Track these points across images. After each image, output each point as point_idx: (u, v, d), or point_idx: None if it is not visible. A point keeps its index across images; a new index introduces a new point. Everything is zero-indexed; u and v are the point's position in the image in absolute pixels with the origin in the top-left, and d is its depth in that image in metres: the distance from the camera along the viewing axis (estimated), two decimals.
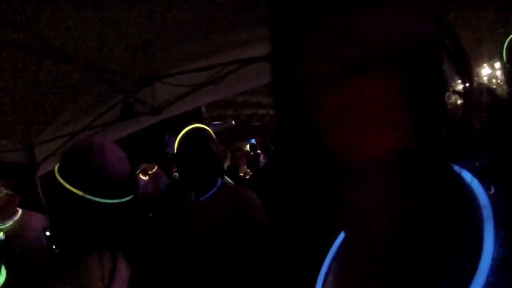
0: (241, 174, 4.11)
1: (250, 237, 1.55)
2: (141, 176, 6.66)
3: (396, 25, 0.31)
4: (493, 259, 0.30)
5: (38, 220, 2.80)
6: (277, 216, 1.72)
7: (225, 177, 2.14)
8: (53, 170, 1.03)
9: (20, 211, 2.79)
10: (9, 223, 2.71)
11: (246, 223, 1.56)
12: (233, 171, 4.08)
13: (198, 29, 2.22)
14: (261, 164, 4.66)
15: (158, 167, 6.62)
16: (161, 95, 2.94)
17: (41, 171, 3.70)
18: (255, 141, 8.38)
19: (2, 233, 2.65)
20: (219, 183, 1.76)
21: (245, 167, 4.63)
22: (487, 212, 0.33)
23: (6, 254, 2.54)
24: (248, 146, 8.52)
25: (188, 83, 2.82)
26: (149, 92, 2.83)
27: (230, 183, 2.47)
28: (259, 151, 7.42)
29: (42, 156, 3.65)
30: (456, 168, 0.38)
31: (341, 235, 0.51)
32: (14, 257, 2.55)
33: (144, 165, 6.82)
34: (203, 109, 7.31)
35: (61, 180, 1.00)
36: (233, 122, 7.87)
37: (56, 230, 1.04)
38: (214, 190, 1.72)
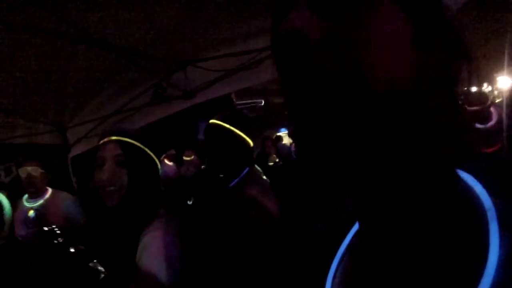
0: (270, 164, 4.05)
1: (247, 234, 1.53)
2: (166, 161, 6.74)
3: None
4: (499, 260, 0.30)
5: (67, 199, 2.84)
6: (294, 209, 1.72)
7: (256, 166, 2.08)
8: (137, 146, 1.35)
9: (50, 190, 2.82)
10: (40, 201, 2.74)
11: (246, 220, 1.55)
12: (262, 160, 4.02)
13: (233, 13, 2.15)
14: (293, 155, 4.58)
15: (195, 155, 6.64)
16: (194, 80, 2.88)
17: (73, 153, 3.76)
18: (287, 130, 8.30)
19: (32, 211, 2.69)
20: (245, 171, 1.72)
21: (274, 156, 4.56)
22: (491, 214, 0.33)
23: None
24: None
25: (222, 68, 2.75)
26: (182, 76, 2.77)
27: (259, 171, 2.41)
28: (285, 142, 7.31)
29: (74, 138, 3.70)
30: (458, 169, 0.38)
31: (352, 231, 0.52)
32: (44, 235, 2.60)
33: (171, 151, 6.89)
34: (233, 96, 7.27)
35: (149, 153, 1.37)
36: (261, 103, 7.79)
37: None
38: (237, 179, 1.70)
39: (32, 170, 2.66)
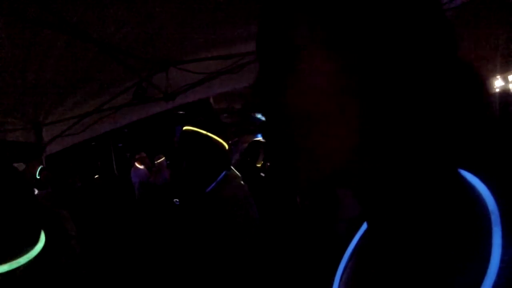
0: (258, 165, 4.14)
1: (227, 235, 1.56)
2: (137, 165, 6.68)
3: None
4: (501, 264, 0.30)
5: (46, 196, 2.81)
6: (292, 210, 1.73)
7: (232, 168, 2.12)
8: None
9: (36, 190, 2.80)
10: None
11: (227, 221, 1.58)
12: (250, 162, 4.10)
13: (219, 17, 2.16)
14: None
15: (165, 158, 6.65)
16: (176, 82, 2.88)
17: (48, 152, 3.66)
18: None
19: None
20: (221, 175, 1.74)
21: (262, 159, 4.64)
22: (495, 218, 0.32)
23: None
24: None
25: (204, 71, 2.76)
26: (163, 77, 2.76)
27: (238, 175, 2.45)
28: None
29: (50, 136, 3.60)
30: (463, 171, 0.38)
31: (360, 232, 0.52)
32: None
33: (142, 154, 6.86)
34: (212, 101, 7.25)
35: None
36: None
37: None
38: (214, 183, 1.72)
39: (17, 165, 2.67)
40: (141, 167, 6.78)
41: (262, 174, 3.68)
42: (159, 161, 6.74)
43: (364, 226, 0.51)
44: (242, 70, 2.71)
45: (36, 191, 2.80)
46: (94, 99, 3.09)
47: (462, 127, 0.35)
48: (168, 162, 6.98)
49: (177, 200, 1.85)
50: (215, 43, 2.54)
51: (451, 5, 2.13)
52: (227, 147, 1.80)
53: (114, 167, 9.27)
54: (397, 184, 0.36)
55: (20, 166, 2.72)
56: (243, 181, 1.98)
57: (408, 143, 0.34)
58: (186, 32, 2.32)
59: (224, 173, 1.76)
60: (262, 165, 4.19)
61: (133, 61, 2.54)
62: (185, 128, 1.78)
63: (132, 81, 2.86)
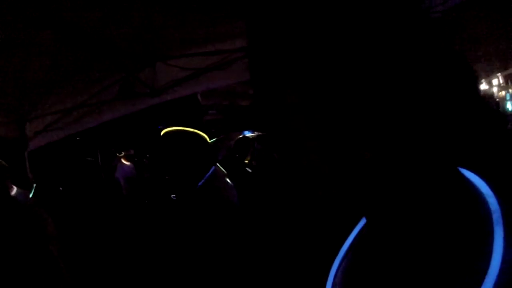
0: (246, 161, 4.20)
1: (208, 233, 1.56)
2: (124, 161, 6.65)
3: None
4: (502, 265, 0.30)
5: (24, 196, 2.74)
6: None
7: (218, 165, 2.13)
8: None
9: (15, 187, 2.71)
10: None
11: (216, 217, 1.58)
12: (238, 159, 4.15)
13: (207, 13, 2.15)
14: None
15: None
16: (163, 77, 2.86)
17: (31, 147, 3.58)
18: (250, 133, 8.34)
19: None
20: (211, 170, 1.74)
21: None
22: (496, 217, 0.32)
23: None
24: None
25: (192, 67, 2.75)
26: (151, 73, 2.74)
27: (223, 172, 2.46)
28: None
29: (33, 131, 3.52)
30: (466, 171, 0.37)
31: (355, 230, 0.51)
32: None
33: (129, 151, 6.81)
34: (199, 97, 7.23)
35: None
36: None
37: None
38: (203, 180, 1.71)
39: None
40: (128, 163, 6.75)
41: (249, 170, 3.71)
42: None
43: (359, 225, 0.51)
44: (230, 66, 2.71)
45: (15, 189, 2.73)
46: (79, 94, 3.04)
47: (463, 126, 0.35)
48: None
49: (174, 195, 1.83)
50: (203, 39, 2.52)
51: (449, 5, 2.15)
52: (208, 139, 1.80)
53: (99, 162, 9.15)
54: (398, 183, 0.36)
55: None
56: (229, 178, 1.98)
57: (409, 142, 0.34)
58: (175, 28, 2.30)
59: (213, 168, 1.75)
60: (249, 161, 4.24)
61: (120, 56, 2.51)
62: (166, 130, 1.76)
63: (118, 76, 2.82)
